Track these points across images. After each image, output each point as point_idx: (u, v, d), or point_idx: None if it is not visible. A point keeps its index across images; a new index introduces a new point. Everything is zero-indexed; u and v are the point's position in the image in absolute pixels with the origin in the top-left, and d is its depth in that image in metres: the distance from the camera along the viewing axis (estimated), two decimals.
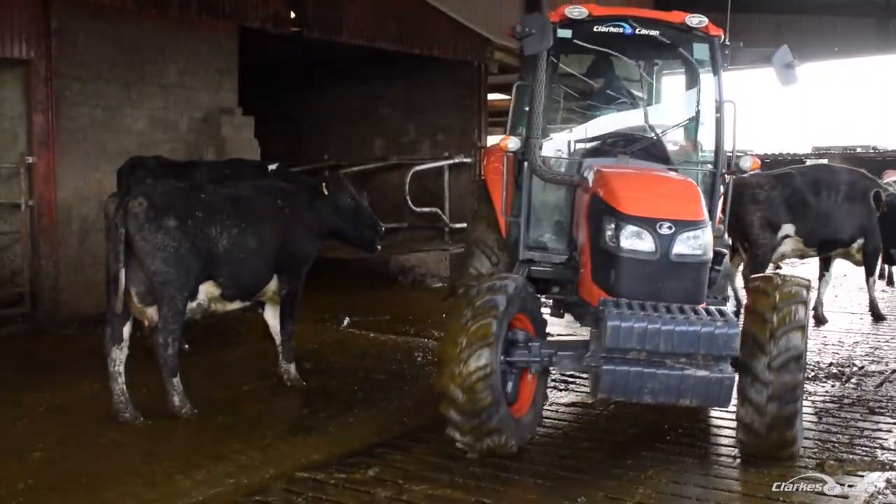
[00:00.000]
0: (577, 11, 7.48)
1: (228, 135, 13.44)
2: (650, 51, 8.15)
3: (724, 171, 7.72)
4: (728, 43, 8.05)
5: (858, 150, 25.91)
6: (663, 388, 6.12)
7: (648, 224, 6.39)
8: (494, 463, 6.49)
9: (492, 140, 10.63)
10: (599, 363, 6.19)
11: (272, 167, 11.28)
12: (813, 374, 9.29)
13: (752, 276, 7.94)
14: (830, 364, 9.72)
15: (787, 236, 11.52)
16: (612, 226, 6.49)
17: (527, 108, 7.74)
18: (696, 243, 6.45)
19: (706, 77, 8.00)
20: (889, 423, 7.56)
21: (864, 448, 6.92)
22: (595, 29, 7.62)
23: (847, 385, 8.87)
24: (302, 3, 14.23)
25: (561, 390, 8.62)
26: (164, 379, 7.64)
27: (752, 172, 8.55)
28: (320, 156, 19.59)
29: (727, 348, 6.10)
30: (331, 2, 14.77)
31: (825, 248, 11.89)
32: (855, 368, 9.54)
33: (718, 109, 7.72)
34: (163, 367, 7.61)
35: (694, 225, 6.46)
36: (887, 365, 9.69)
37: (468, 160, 17.65)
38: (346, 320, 11.84)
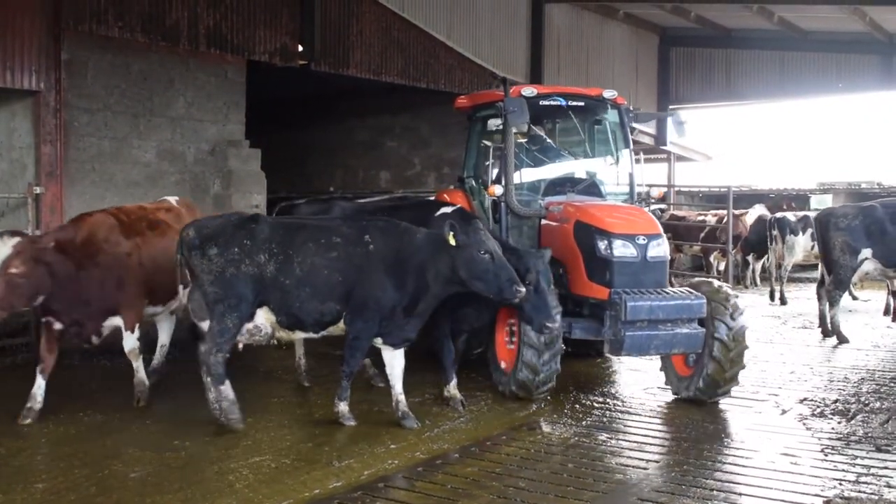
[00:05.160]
0: (529, 90, 10.39)
1: (235, 167, 13.54)
2: (578, 115, 11.06)
3: (636, 199, 10.96)
4: (631, 109, 11.16)
5: (863, 185, 25.93)
6: (662, 343, 8.96)
7: (630, 238, 9.29)
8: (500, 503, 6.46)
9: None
10: (621, 331, 8.78)
11: (446, 210, 10.01)
12: (819, 410, 9.27)
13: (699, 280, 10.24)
14: (836, 401, 9.68)
15: (865, 259, 13.52)
16: (606, 241, 9.26)
17: (475, 152, 11.55)
18: (661, 249, 9.47)
19: (619, 132, 11.04)
20: None
21: (870, 486, 6.87)
22: (540, 102, 10.47)
23: (853, 422, 8.82)
24: (309, 36, 14.38)
25: None
26: (213, 387, 8.10)
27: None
28: (326, 188, 19.67)
29: (699, 312, 9.08)
30: (338, 36, 14.91)
31: None
32: (861, 405, 9.50)
33: (628, 156, 10.98)
34: (210, 375, 8.06)
35: (658, 237, 9.47)
36: (894, 402, 9.64)
37: None
38: None
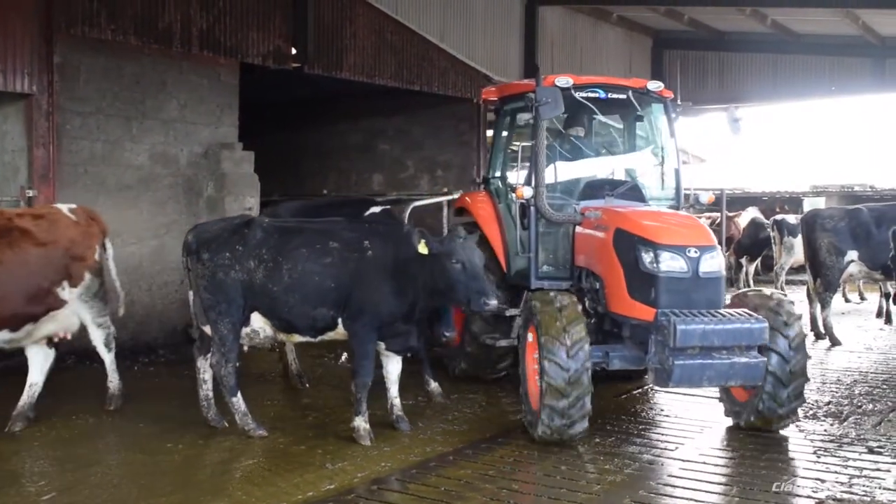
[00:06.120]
0: (563, 80, 9.16)
1: (228, 169, 13.50)
2: (619, 109, 10.00)
3: (684, 204, 9.90)
4: (679, 103, 10.22)
5: (856, 188, 26.03)
6: (717, 374, 7.72)
7: (680, 250, 7.98)
8: None
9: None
10: (670, 359, 7.58)
11: (374, 210, 10.49)
12: (812, 412, 9.29)
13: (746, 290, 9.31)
14: (829, 403, 9.71)
15: (851, 261, 13.60)
16: (651, 254, 7.97)
17: (501, 150, 10.64)
18: (716, 262, 8.11)
19: (665, 129, 10.00)
20: (888, 463, 7.52)
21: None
22: (576, 94, 9.31)
23: (845, 424, 8.84)
24: (302, 39, 14.36)
25: None
26: (226, 399, 8.14)
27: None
28: (319, 190, 19.63)
29: (760, 339, 7.77)
30: (331, 38, 14.90)
31: (888, 272, 13.66)
32: (853, 407, 9.52)
33: (674, 156, 9.90)
34: (222, 387, 8.12)
35: (712, 249, 8.11)
36: (886, 404, 9.67)
37: None
38: (344, 356, 11.81)
